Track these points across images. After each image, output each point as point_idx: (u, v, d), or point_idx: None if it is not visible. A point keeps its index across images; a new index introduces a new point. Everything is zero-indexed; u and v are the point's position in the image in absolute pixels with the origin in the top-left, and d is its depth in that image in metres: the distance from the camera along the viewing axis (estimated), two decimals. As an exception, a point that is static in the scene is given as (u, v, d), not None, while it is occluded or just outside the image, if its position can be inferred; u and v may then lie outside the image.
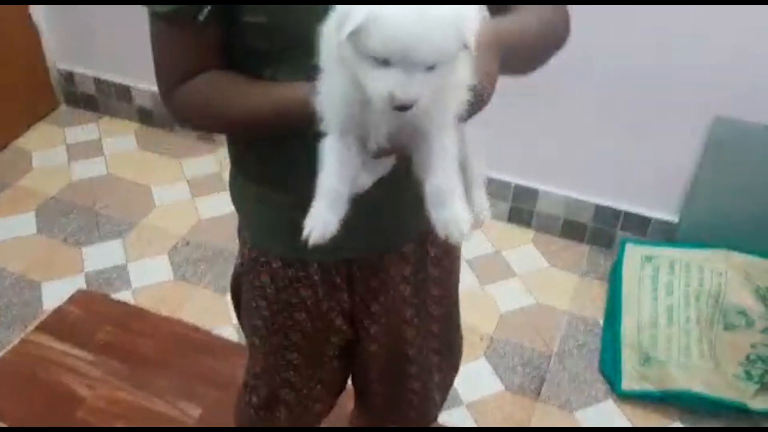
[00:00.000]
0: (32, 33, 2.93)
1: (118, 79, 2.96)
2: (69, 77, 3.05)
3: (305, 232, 0.86)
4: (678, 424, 1.96)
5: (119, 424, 1.92)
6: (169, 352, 2.11)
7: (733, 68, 2.02)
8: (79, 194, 2.69)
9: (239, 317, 1.37)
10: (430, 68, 0.72)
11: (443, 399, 1.50)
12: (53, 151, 2.89)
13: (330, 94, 0.81)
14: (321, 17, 0.78)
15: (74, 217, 2.58)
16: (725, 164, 2.17)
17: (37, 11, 2.90)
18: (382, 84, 0.72)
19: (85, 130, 3.00)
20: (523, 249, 2.49)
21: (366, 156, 0.86)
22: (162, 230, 2.54)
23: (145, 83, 2.89)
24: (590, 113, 2.28)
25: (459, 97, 0.81)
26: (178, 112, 1.03)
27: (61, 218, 2.58)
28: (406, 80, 0.71)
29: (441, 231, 0.84)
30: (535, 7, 1.02)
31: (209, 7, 0.92)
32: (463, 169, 0.89)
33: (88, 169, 2.81)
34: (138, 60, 2.91)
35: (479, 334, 2.19)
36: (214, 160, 2.85)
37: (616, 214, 2.40)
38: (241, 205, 1.21)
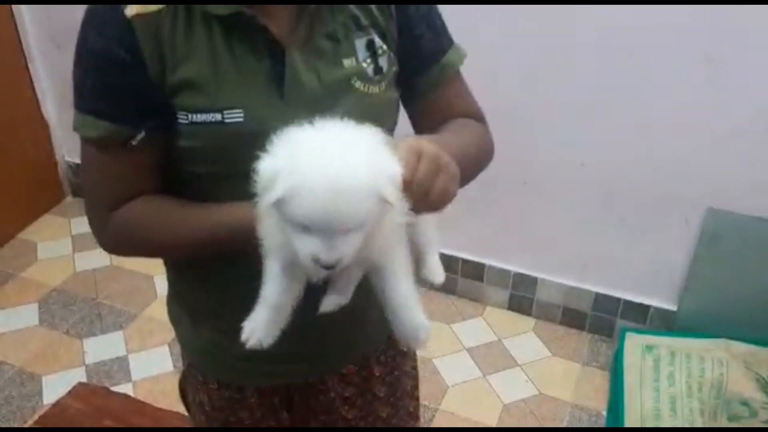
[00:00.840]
0: (43, 127, 3.02)
1: (124, 171, 3.03)
2: (76, 169, 3.12)
3: (243, 336, 0.87)
4: None
5: None
6: (169, 447, 2.09)
7: (725, 160, 2.08)
8: (82, 285, 2.71)
9: (192, 417, 1.33)
10: (352, 230, 0.75)
11: None
12: (58, 243, 2.93)
13: (268, 235, 0.83)
14: (257, 144, 0.77)
15: (76, 309, 2.60)
16: (720, 254, 2.20)
17: (47, 106, 3.00)
18: (306, 248, 0.75)
19: (90, 221, 3.05)
20: (525, 337, 2.49)
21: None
22: (163, 321, 2.51)
23: (150, 175, 2.95)
24: (588, 205, 2.32)
25: (396, 231, 0.83)
26: (110, 240, 0.99)
27: (63, 310, 2.59)
28: (327, 245, 0.74)
29: (403, 339, 0.87)
30: (466, 124, 1.04)
31: (143, 133, 0.91)
32: (416, 235, 0.92)
33: (91, 260, 2.84)
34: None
35: (482, 426, 2.17)
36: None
37: (615, 302, 2.42)
38: (178, 326, 1.20)
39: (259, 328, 0.87)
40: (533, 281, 2.51)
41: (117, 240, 0.99)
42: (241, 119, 0.90)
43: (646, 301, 2.38)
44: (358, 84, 0.96)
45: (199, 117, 0.90)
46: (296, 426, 1.22)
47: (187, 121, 0.91)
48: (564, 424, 2.18)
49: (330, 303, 0.96)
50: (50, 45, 2.86)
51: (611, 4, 1.96)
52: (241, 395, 1.16)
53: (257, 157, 0.79)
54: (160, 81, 0.90)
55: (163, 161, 0.97)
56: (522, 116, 2.23)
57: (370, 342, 1.18)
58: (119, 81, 0.90)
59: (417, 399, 1.35)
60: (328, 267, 0.76)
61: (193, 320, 1.14)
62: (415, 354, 1.32)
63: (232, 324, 1.07)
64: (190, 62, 0.90)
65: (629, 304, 2.40)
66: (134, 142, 0.92)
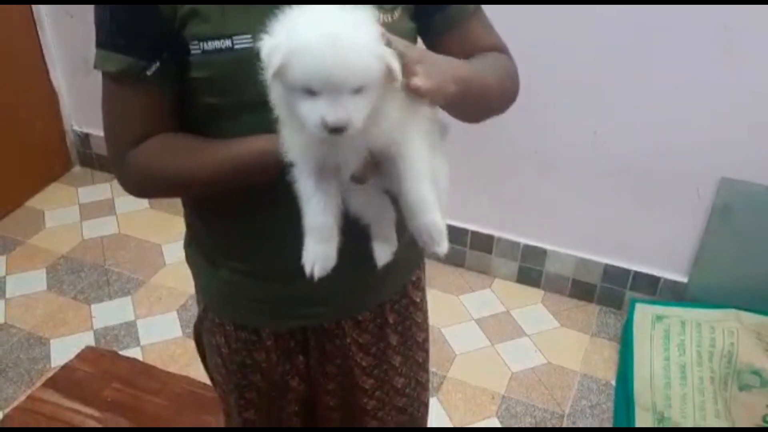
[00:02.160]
0: (52, 96, 3.01)
1: (132, 140, 3.02)
2: (85, 139, 3.11)
3: (307, 269, 0.88)
4: (695, 487, 1.91)
5: (124, 483, 1.88)
6: (177, 409, 2.08)
7: (738, 130, 2.06)
8: (90, 252, 2.71)
9: (206, 367, 1.35)
10: (357, 92, 0.75)
11: None
12: (66, 211, 2.92)
13: (294, 142, 0.83)
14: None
15: (84, 275, 2.59)
16: (732, 225, 2.19)
17: (57, 76, 2.98)
18: (312, 112, 0.75)
19: (98, 190, 3.05)
20: (533, 309, 2.49)
21: (344, 185, 0.88)
22: (171, 288, 2.54)
23: (158, 145, 2.95)
24: (599, 177, 2.31)
25: (416, 118, 0.84)
26: (130, 178, 1.00)
27: (71, 276, 2.59)
28: (333, 105, 0.74)
29: (420, 239, 0.86)
30: (485, 54, 1.05)
31: (158, 63, 0.93)
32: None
33: (99, 228, 2.84)
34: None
35: (491, 393, 2.17)
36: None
37: (625, 274, 2.41)
38: (196, 270, 1.20)
39: (316, 256, 0.87)
40: (542, 253, 2.50)
41: (138, 179, 1.00)
42: (250, 44, 0.89)
43: (657, 273, 2.37)
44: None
45: (210, 44, 0.91)
46: (311, 370, 1.22)
47: (199, 51, 0.92)
48: (573, 393, 2.17)
49: (383, 254, 0.98)
50: (61, 13, 2.84)
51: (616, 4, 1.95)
52: (257, 337, 1.16)
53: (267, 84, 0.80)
54: (172, 14, 0.91)
55: (178, 99, 0.97)
56: (535, 90, 2.19)
57: (386, 289, 1.18)
58: (134, 15, 0.92)
59: (427, 352, 1.35)
60: (337, 129, 0.75)
61: (210, 262, 1.14)
62: (426, 307, 1.32)
63: (249, 265, 1.08)
64: None
65: (639, 276, 2.39)
66: (149, 73, 0.93)
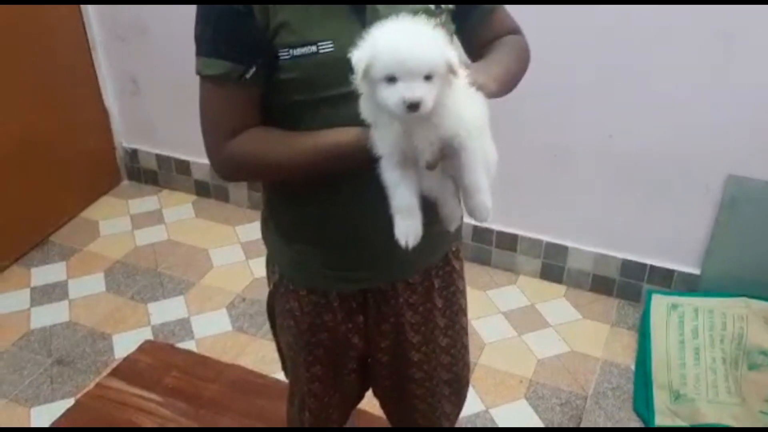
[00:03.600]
0: (103, 115, 3.24)
1: (177, 154, 3.25)
2: (133, 154, 3.35)
3: (402, 243, 1.09)
4: (710, 458, 2.07)
5: (187, 458, 2.08)
6: (231, 394, 2.28)
7: (742, 129, 2.24)
8: (143, 258, 2.92)
9: (275, 335, 1.57)
10: (427, 78, 0.98)
11: (451, 426, 1.68)
12: (118, 220, 3.15)
13: (384, 139, 1.06)
14: (345, 68, 1.02)
15: (139, 278, 2.81)
16: (740, 219, 2.36)
17: (108, 96, 3.22)
18: (394, 94, 0.98)
19: (146, 202, 3.28)
20: (556, 302, 2.66)
21: (421, 170, 1.10)
22: (219, 288, 2.75)
23: (202, 158, 3.16)
24: (614, 176, 2.49)
25: (472, 116, 1.05)
26: (227, 166, 1.20)
27: (127, 279, 2.81)
28: (409, 87, 0.97)
29: (471, 214, 1.08)
30: (509, 42, 1.28)
31: (254, 68, 1.12)
32: (465, 174, 1.09)
33: (150, 235, 3.06)
34: (196, 137, 3.22)
35: (519, 378, 2.34)
36: (265, 227, 3.08)
37: (641, 268, 2.58)
38: (272, 244, 1.41)
39: (408, 231, 1.08)
40: (564, 250, 2.69)
41: (233, 166, 1.20)
42: (332, 49, 1.11)
43: (671, 266, 2.54)
44: (423, 17, 1.16)
45: (298, 51, 1.12)
46: (368, 328, 1.41)
47: (288, 56, 1.13)
48: (595, 377, 2.34)
49: (451, 220, 1.19)
50: (113, 37, 3.08)
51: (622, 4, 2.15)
52: (325, 300, 1.36)
53: (346, 81, 1.04)
54: (265, 25, 1.12)
55: (266, 98, 1.17)
56: (552, 94, 2.41)
57: (433, 254, 1.38)
58: (235, 27, 1.12)
59: (467, 318, 1.55)
60: (413, 106, 0.97)
61: (286, 238, 1.34)
62: (464, 277, 1.51)
63: (322, 238, 1.29)
64: (287, 8, 1.12)
65: (655, 269, 2.56)
66: (248, 76, 1.13)
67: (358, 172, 1.13)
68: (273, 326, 1.55)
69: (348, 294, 1.36)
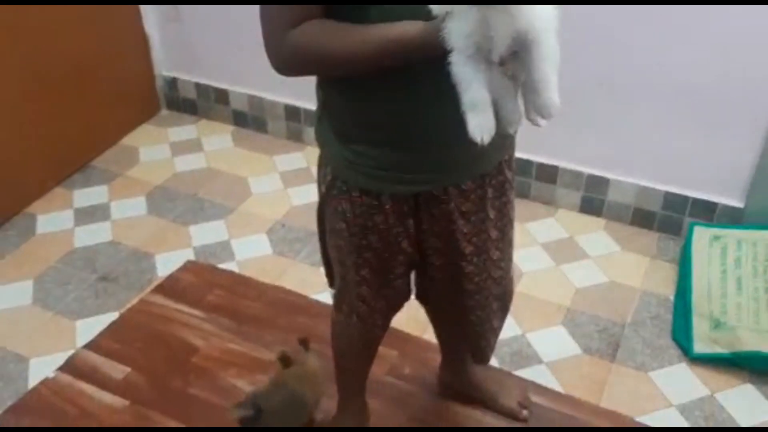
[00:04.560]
0: (143, 43, 3.25)
1: (216, 83, 3.26)
2: (173, 83, 3.35)
3: (477, 138, 1.07)
4: (748, 386, 2.07)
5: (231, 371, 2.12)
6: (272, 312, 2.32)
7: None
8: (183, 184, 2.95)
9: (324, 241, 1.57)
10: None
11: (496, 341, 1.72)
12: (158, 148, 3.18)
13: (459, 31, 1.03)
14: None
15: (179, 203, 2.84)
16: (790, 150, 2.32)
17: (149, 22, 3.22)
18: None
19: (185, 131, 3.29)
20: (596, 235, 2.65)
21: (491, 67, 1.08)
22: (259, 215, 2.77)
23: (240, 87, 3.17)
24: (658, 107, 2.45)
25: (546, 12, 1.05)
26: (287, 56, 1.17)
27: (167, 203, 2.84)
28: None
29: (539, 111, 1.08)
30: None
31: None
32: (533, 72, 1.08)
33: (189, 163, 3.08)
34: (235, 67, 3.24)
35: (556, 305, 2.35)
36: (303, 157, 3.09)
37: (684, 201, 2.56)
38: (325, 144, 1.40)
39: (483, 126, 1.07)
40: (605, 182, 2.66)
41: (294, 55, 1.17)
42: None
43: (714, 199, 2.51)
44: None
45: None
46: (420, 234, 1.42)
47: None
48: (633, 307, 2.34)
49: (511, 122, 1.15)
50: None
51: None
52: (378, 201, 1.36)
53: None
54: None
55: None
56: (599, 23, 2.37)
57: (486, 162, 1.37)
58: None
59: (513, 230, 1.55)
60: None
61: (341, 136, 1.33)
62: (514, 187, 1.51)
63: (379, 137, 1.29)
64: None
65: (697, 202, 2.54)
66: None
67: (419, 71, 1.12)
68: (322, 232, 1.55)
69: (400, 197, 1.36)
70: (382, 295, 1.54)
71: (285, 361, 1.84)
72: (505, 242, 1.52)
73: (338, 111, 1.33)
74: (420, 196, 1.37)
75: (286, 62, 1.20)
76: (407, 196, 1.37)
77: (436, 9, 1.05)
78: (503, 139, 1.32)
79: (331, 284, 1.66)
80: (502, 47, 1.04)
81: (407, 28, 1.10)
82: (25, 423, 1.97)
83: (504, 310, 1.66)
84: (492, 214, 1.44)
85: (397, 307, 1.63)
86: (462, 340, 1.74)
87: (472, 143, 1.25)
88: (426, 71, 1.10)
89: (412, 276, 1.59)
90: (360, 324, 1.59)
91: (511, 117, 1.20)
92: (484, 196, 1.41)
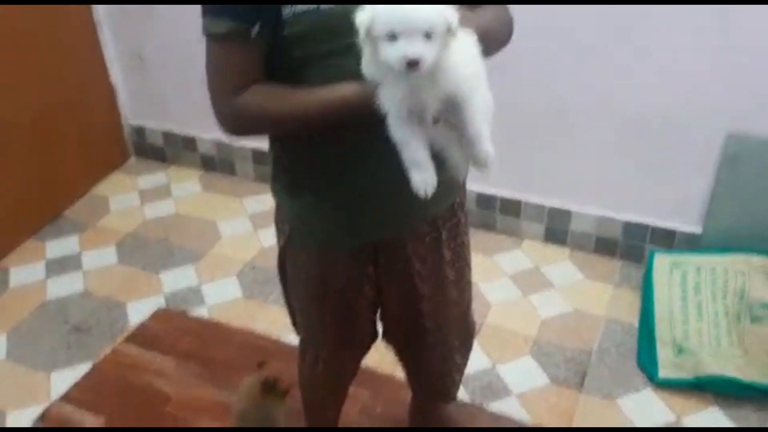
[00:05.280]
0: (110, 92, 3.29)
1: (183, 131, 3.30)
2: (140, 131, 3.39)
3: (420, 193, 1.14)
4: (714, 408, 2.12)
5: (203, 418, 2.13)
6: (243, 357, 2.33)
7: (739, 89, 2.28)
8: (153, 231, 2.98)
9: (285, 289, 1.61)
10: (427, 37, 1.02)
11: (461, 378, 1.77)
12: (127, 196, 3.20)
13: (390, 97, 1.10)
14: (346, 24, 1.05)
15: (150, 250, 2.86)
16: (740, 176, 2.39)
17: (114, 73, 3.26)
18: (394, 51, 1.03)
19: (154, 177, 3.32)
20: (560, 265, 2.71)
21: (426, 126, 1.14)
22: (229, 258, 2.80)
23: (207, 133, 3.22)
24: (615, 138, 2.53)
25: (472, 72, 1.11)
26: (234, 121, 1.23)
27: (138, 251, 2.86)
28: (410, 44, 1.02)
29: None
30: (493, 8, 1.30)
31: (258, 26, 1.15)
32: (466, 126, 1.14)
33: (159, 209, 3.11)
34: (201, 113, 3.26)
35: (524, 336, 2.39)
36: (271, 198, 3.12)
37: (644, 228, 2.62)
38: (281, 201, 1.45)
39: (425, 182, 1.13)
40: (567, 214, 2.73)
41: (240, 120, 1.23)
42: (332, 7, 1.14)
43: (673, 226, 2.58)
44: None
45: (299, 8, 1.15)
46: (380, 278, 1.46)
47: (291, 14, 1.15)
48: (599, 335, 2.39)
49: (459, 169, 1.23)
50: (118, 12, 3.11)
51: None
52: (335, 254, 1.41)
53: (349, 32, 1.07)
54: None
55: (269, 55, 1.20)
56: (551, 55, 2.45)
57: (440, 203, 1.42)
58: None
59: (471, 271, 1.59)
60: (413, 63, 1.02)
61: (295, 191, 1.38)
62: (468, 231, 1.56)
63: (330, 189, 1.33)
64: None
65: (657, 230, 2.60)
66: (252, 34, 1.16)
67: (363, 126, 1.17)
68: (284, 283, 1.59)
69: (358, 246, 1.41)
70: (347, 339, 1.58)
71: (269, 386, 1.87)
72: (463, 282, 1.57)
73: (288, 165, 1.37)
74: (377, 245, 1.42)
75: (234, 128, 1.25)
76: (365, 246, 1.41)
77: (368, 77, 1.11)
78: (452, 182, 1.37)
79: (298, 331, 1.69)
80: (433, 109, 1.11)
81: (346, 93, 1.14)
82: (-2, 481, 1.97)
83: (466, 347, 1.70)
84: (448, 256, 1.49)
85: (363, 349, 1.66)
86: (427, 379, 1.77)
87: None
88: (369, 126, 1.15)
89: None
90: (326, 371, 1.62)
91: (458, 164, 1.27)
92: (438, 238, 1.45)
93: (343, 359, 1.62)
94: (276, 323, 2.46)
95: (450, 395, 1.77)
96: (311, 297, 1.50)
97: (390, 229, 1.39)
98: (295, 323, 1.66)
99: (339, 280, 1.44)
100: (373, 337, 1.65)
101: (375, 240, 1.41)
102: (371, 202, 1.33)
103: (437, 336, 1.59)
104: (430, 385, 1.78)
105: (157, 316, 2.52)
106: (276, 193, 1.45)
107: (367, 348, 1.67)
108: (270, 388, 1.88)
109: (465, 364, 1.74)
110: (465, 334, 1.67)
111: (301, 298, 1.53)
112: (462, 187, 1.50)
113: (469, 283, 1.60)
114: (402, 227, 1.40)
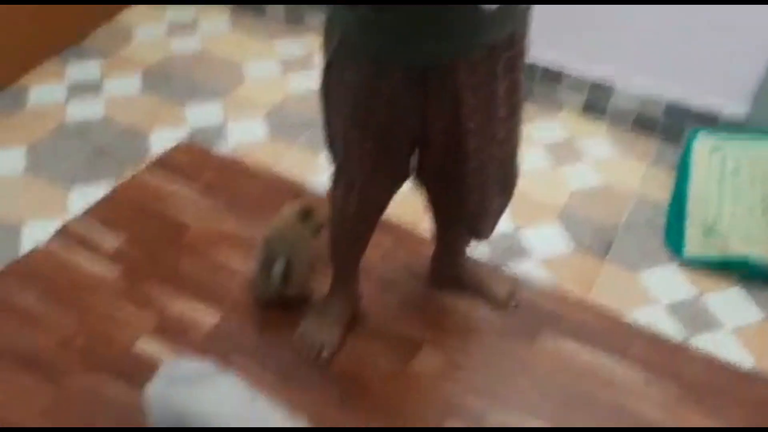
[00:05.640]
0: None
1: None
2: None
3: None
4: (738, 288, 2.10)
5: (223, 250, 2.11)
6: (267, 196, 2.30)
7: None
8: (178, 65, 2.87)
9: (326, 111, 1.53)
10: None
11: (496, 223, 1.72)
12: (153, 28, 3.07)
13: None
14: None
15: (174, 83, 2.77)
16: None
17: None
18: None
19: (182, 12, 3.18)
20: (596, 139, 2.63)
21: None
22: (255, 99, 2.72)
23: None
24: (664, 11, 2.39)
25: None
26: None
27: (162, 83, 2.77)
28: None
29: None
30: None
31: None
32: None
33: (186, 45, 2.99)
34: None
35: (552, 205, 2.35)
36: (303, 44, 3.01)
37: (687, 108, 2.52)
38: (333, 13, 1.35)
39: None
40: (609, 88, 2.62)
41: None
42: None
43: (718, 108, 2.48)
44: None
45: None
46: (427, 107, 1.39)
47: None
48: (627, 212, 2.34)
49: None
50: None
51: None
52: (385, 71, 1.33)
53: None
54: None
55: None
56: None
57: (495, 31, 1.32)
58: None
59: (522, 112, 1.52)
60: None
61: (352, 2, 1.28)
62: (524, 69, 1.47)
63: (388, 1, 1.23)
64: None
65: (701, 111, 2.51)
66: None
67: None
68: (325, 103, 1.51)
69: (409, 68, 1.32)
70: (384, 169, 1.53)
71: (306, 213, 1.85)
72: (513, 122, 1.49)
73: None
74: (429, 69, 1.33)
75: None
76: (415, 66, 1.33)
77: None
78: (512, 9, 1.28)
79: (333, 158, 1.64)
80: None
81: None
82: (15, 290, 1.97)
83: (506, 194, 1.65)
84: (501, 91, 1.40)
85: (397, 184, 1.61)
86: (459, 223, 1.73)
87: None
88: None
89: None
90: (358, 198, 1.57)
91: None
92: (493, 70, 1.36)
93: (377, 188, 1.57)
94: (302, 167, 2.42)
95: (481, 233, 1.72)
96: (353, 117, 1.43)
97: (444, 50, 1.30)
98: (331, 147, 1.59)
99: (385, 101, 1.37)
100: (408, 172, 1.60)
101: (429, 61, 1.32)
102: (431, 19, 1.23)
103: (478, 176, 1.52)
104: (460, 224, 1.73)
105: (180, 148, 2.47)
106: (329, 7, 1.36)
107: (401, 181, 1.61)
108: (307, 217, 1.86)
109: (501, 212, 1.69)
110: (507, 179, 1.61)
111: (342, 118, 1.46)
112: (523, 17, 1.40)
113: (519, 125, 1.53)
114: (457, 49, 1.31)
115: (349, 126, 1.46)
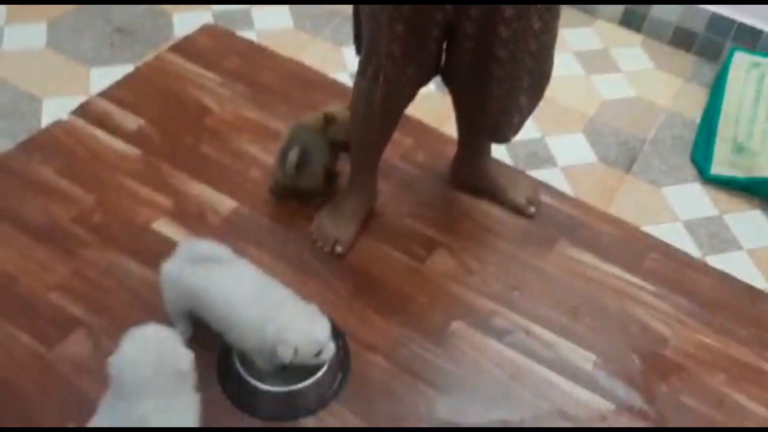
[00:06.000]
0: None
1: None
2: None
3: None
4: (758, 212, 2.06)
5: (243, 136, 2.09)
6: (289, 85, 2.26)
7: None
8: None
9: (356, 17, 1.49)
10: None
11: (521, 123, 1.66)
12: None
13: None
14: None
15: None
16: None
17: None
18: None
19: None
20: (631, 50, 2.54)
21: None
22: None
23: None
24: None
25: None
26: None
27: (188, -37, 2.69)
28: None
29: None
30: None
31: None
32: None
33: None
34: None
35: (580, 113, 2.29)
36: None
37: (729, 24, 2.42)
38: None
39: None
40: (650, -5, 2.51)
41: None
42: None
43: (761, 26, 2.38)
44: None
45: None
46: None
47: None
48: (656, 126, 2.28)
49: None
50: None
51: None
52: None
53: None
54: None
55: None
56: None
57: None
58: None
59: (558, 23, 1.46)
60: None
61: None
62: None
63: None
64: None
65: (743, 27, 2.40)
66: None
67: None
68: (358, 32, 1.46)
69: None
70: (413, 57, 1.48)
71: (329, 120, 1.82)
72: (551, 15, 1.44)
73: None
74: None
75: None
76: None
77: None
78: None
79: (359, 49, 1.59)
80: None
81: None
82: (36, 159, 1.97)
83: (535, 90, 1.60)
84: (537, 24, 1.37)
85: (424, 75, 1.56)
86: (483, 117, 1.67)
87: None
88: None
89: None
90: (385, 87, 1.53)
91: None
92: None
93: (404, 79, 1.52)
94: (326, 59, 2.37)
95: (503, 135, 1.69)
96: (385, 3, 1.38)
97: None
98: (358, 35, 1.54)
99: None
100: (437, 64, 1.55)
101: None
102: None
103: (508, 69, 1.47)
104: (485, 123, 1.68)
105: (204, 30, 2.42)
106: None
107: (429, 75, 1.57)
108: (329, 124, 1.82)
109: (529, 111, 1.65)
110: (537, 73, 1.55)
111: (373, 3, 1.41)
112: None
113: (556, 19, 1.47)
114: None
115: (380, 7, 1.41)
